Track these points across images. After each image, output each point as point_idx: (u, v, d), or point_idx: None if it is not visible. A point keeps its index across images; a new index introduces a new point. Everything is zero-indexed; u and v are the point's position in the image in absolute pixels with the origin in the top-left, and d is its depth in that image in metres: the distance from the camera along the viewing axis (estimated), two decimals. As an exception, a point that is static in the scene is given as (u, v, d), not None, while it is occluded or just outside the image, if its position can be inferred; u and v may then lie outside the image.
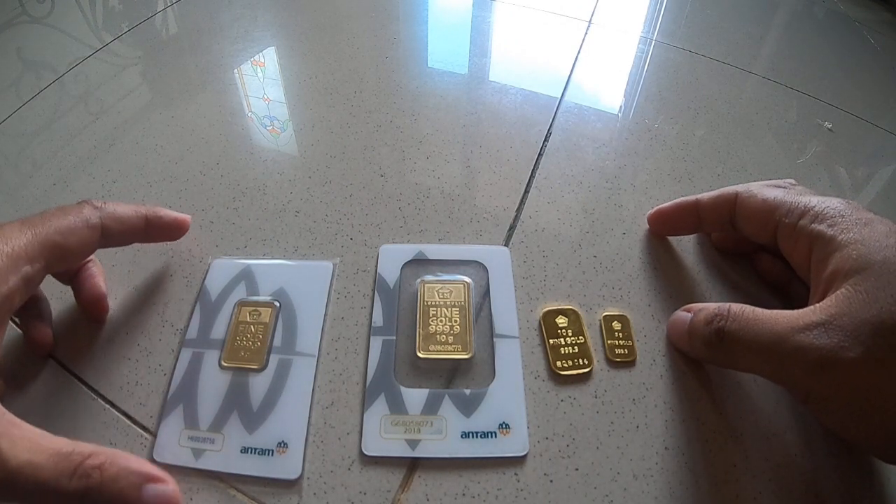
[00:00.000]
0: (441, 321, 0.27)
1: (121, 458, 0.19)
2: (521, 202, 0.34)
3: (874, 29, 0.59)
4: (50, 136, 0.38)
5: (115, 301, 0.28)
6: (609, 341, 0.27)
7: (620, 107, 0.43)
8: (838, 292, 0.20)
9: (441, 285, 0.29)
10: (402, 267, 0.30)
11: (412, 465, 0.23)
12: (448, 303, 0.28)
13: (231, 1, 0.53)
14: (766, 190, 0.26)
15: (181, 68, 0.45)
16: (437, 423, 0.24)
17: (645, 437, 0.24)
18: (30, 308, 0.25)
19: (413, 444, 0.23)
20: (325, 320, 0.28)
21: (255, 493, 0.22)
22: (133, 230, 0.26)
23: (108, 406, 0.25)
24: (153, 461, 0.23)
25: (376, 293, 0.29)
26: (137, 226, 0.26)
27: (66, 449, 0.18)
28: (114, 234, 0.24)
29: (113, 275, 0.29)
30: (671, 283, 0.30)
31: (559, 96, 0.43)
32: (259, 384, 0.25)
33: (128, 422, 0.24)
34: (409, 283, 0.29)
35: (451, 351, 0.26)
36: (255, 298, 0.28)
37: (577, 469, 0.23)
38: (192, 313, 0.28)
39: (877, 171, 0.40)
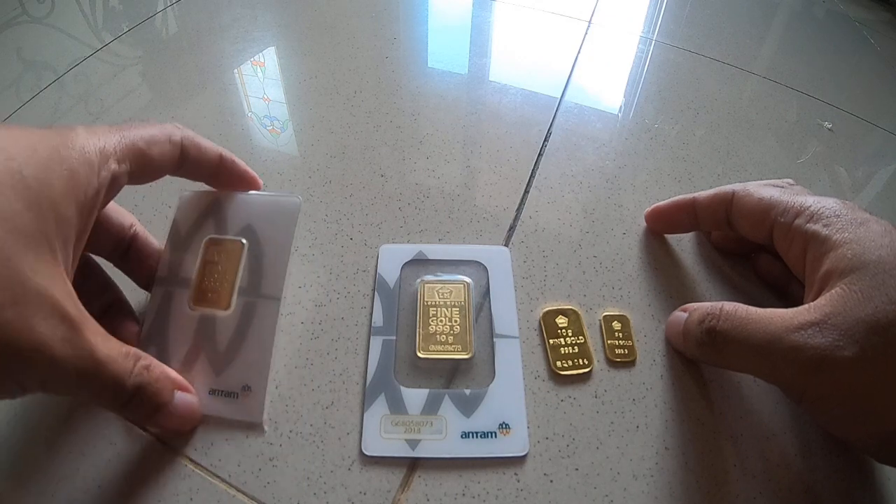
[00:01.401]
0: (441, 321, 0.27)
1: (159, 363, 0.22)
2: (521, 202, 0.34)
3: (874, 29, 0.59)
4: (50, 136, 0.38)
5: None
6: (609, 341, 0.27)
7: (620, 107, 0.43)
8: (833, 291, 0.20)
9: (441, 285, 0.29)
10: (402, 267, 0.30)
11: (412, 465, 0.23)
12: (448, 303, 0.28)
13: (231, 1, 0.53)
14: (763, 189, 0.26)
15: (181, 68, 0.45)
16: (437, 423, 0.24)
17: (645, 437, 0.24)
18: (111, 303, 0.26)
19: (413, 444, 0.23)
20: (289, 261, 0.27)
21: (255, 493, 0.22)
22: (208, 162, 0.25)
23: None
24: None
25: (376, 293, 0.29)
26: (212, 160, 0.25)
27: (126, 348, 0.20)
28: (190, 159, 0.24)
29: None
30: (671, 283, 0.30)
31: (559, 96, 0.43)
32: (225, 326, 0.25)
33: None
34: (409, 283, 0.29)
35: (451, 351, 0.26)
36: (223, 236, 0.27)
37: (577, 469, 0.23)
38: (163, 250, 0.27)
39: (877, 171, 0.40)
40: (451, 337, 0.27)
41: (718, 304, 0.23)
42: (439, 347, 0.26)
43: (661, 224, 0.32)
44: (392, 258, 0.30)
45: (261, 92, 0.42)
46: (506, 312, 0.28)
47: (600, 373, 0.26)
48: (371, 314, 0.28)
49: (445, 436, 0.24)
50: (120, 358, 0.19)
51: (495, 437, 0.24)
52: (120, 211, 0.25)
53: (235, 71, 0.44)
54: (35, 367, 0.17)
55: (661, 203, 0.31)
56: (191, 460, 0.23)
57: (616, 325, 0.28)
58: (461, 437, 0.24)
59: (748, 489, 0.23)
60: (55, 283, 0.17)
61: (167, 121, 0.39)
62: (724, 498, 0.22)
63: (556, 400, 0.25)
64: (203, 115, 0.40)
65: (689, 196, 0.30)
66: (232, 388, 0.24)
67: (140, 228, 0.26)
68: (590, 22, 0.52)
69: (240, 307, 0.26)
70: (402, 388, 0.25)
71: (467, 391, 0.25)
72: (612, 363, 0.26)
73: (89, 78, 0.44)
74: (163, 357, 0.24)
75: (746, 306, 0.22)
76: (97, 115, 0.40)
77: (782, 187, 0.27)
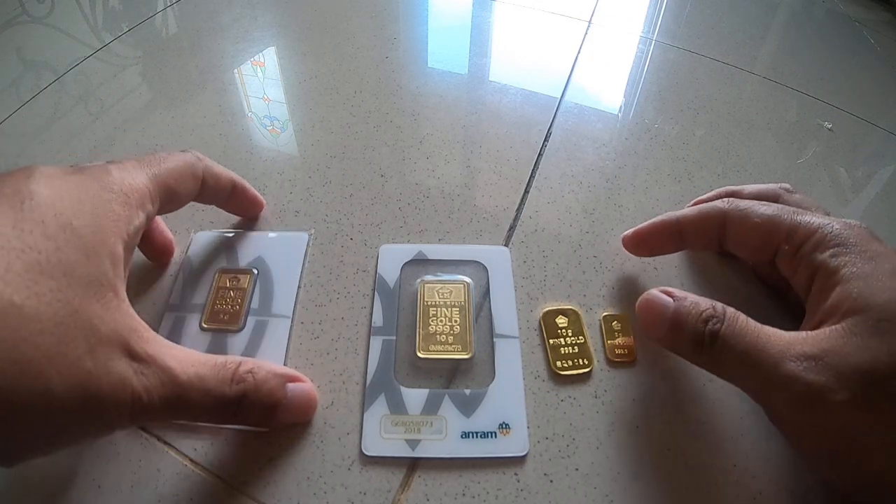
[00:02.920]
0: (441, 321, 0.27)
1: (265, 363, 0.22)
2: (521, 202, 0.34)
3: (874, 29, 0.59)
4: (50, 136, 0.38)
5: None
6: (609, 341, 0.27)
7: (620, 107, 0.43)
8: (834, 328, 0.20)
9: (441, 285, 0.29)
10: (402, 267, 0.30)
11: (412, 466, 0.23)
12: (448, 303, 0.28)
13: (231, 1, 0.53)
14: (760, 208, 0.24)
15: (181, 68, 0.45)
16: (437, 423, 0.24)
17: (645, 437, 0.24)
18: None
19: (413, 444, 0.23)
20: (299, 285, 0.29)
21: (255, 493, 0.22)
22: (223, 190, 0.28)
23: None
24: None
25: (376, 293, 0.29)
26: (226, 187, 0.28)
27: (221, 360, 0.20)
28: (208, 190, 0.26)
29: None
30: (671, 284, 0.30)
31: (559, 96, 0.43)
32: (237, 343, 0.26)
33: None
34: (409, 283, 0.29)
35: (451, 351, 0.26)
36: (234, 266, 0.29)
37: (577, 469, 0.23)
38: (174, 282, 0.29)
39: (877, 171, 0.40)
40: (451, 337, 0.27)
41: (720, 305, 0.22)
42: (439, 347, 0.26)
43: (644, 248, 0.29)
44: (392, 258, 0.30)
45: (261, 92, 0.42)
46: (506, 312, 0.28)
47: (600, 373, 0.26)
48: (371, 314, 0.28)
49: (445, 436, 0.24)
50: (210, 372, 0.20)
51: (495, 437, 0.24)
52: (221, 177, 0.28)
53: (235, 71, 0.44)
54: (121, 406, 0.17)
55: (641, 226, 0.28)
56: (191, 460, 0.23)
57: (616, 325, 0.28)
58: (461, 437, 0.24)
59: (749, 489, 0.23)
60: (123, 322, 0.18)
61: (167, 122, 0.39)
62: (724, 498, 0.22)
63: (556, 400, 0.25)
64: (203, 115, 0.40)
65: (673, 216, 0.27)
66: None
67: (239, 184, 0.29)
68: (590, 22, 0.52)
69: (251, 325, 0.27)
70: (402, 388, 0.25)
71: (467, 391, 0.25)
72: (612, 363, 0.26)
73: (89, 78, 0.44)
74: None
75: (745, 316, 0.21)
76: (97, 115, 0.40)
77: (780, 197, 0.25)
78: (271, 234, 0.31)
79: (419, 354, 0.26)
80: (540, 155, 0.37)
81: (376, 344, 0.27)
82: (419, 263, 0.30)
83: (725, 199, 0.26)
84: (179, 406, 0.19)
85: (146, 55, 0.47)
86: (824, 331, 0.20)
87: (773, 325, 0.21)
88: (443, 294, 0.28)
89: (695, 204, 0.31)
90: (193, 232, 0.31)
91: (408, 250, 0.30)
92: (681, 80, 0.46)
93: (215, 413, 0.20)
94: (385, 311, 0.28)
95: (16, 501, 0.22)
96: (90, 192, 0.19)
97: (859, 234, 0.22)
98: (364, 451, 0.23)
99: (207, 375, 0.20)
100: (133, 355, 0.18)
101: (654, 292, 0.24)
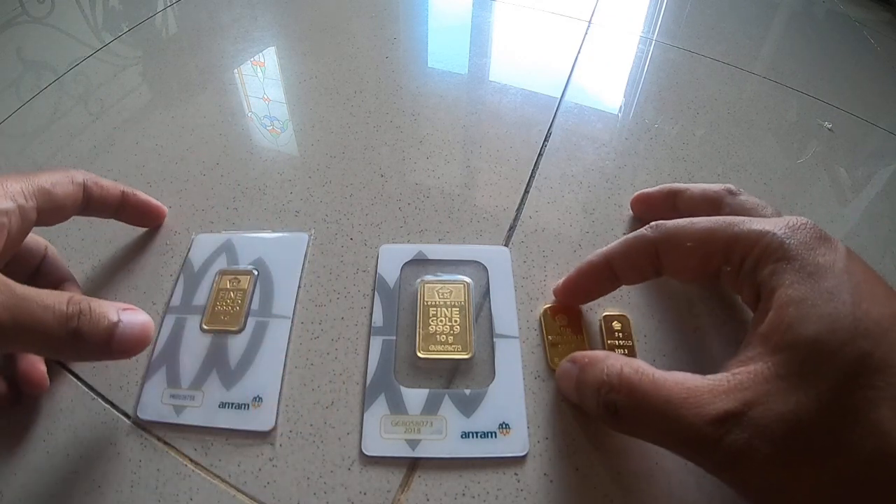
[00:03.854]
0: (441, 321, 0.27)
1: (95, 299, 0.21)
2: (521, 202, 0.34)
3: (874, 29, 0.59)
4: (50, 136, 0.38)
5: (107, 278, 0.30)
6: (609, 341, 0.27)
7: (620, 107, 0.43)
8: (761, 369, 0.18)
9: (441, 285, 0.29)
10: (402, 267, 0.30)
11: (412, 466, 0.23)
12: (448, 303, 0.28)
13: (231, 1, 0.53)
14: (691, 227, 0.23)
15: (181, 68, 0.45)
16: (437, 423, 0.24)
17: (645, 437, 0.24)
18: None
19: (413, 444, 0.23)
20: (299, 285, 0.29)
21: (255, 493, 0.22)
22: (111, 198, 0.27)
23: (82, 381, 0.25)
24: (137, 419, 0.24)
25: (376, 293, 0.29)
26: (114, 196, 0.27)
27: (60, 295, 0.20)
28: (94, 198, 0.26)
29: (111, 265, 0.29)
30: (671, 284, 0.30)
31: (559, 96, 0.43)
32: (237, 344, 0.26)
33: (107, 395, 0.24)
34: (409, 283, 0.29)
35: (451, 351, 0.26)
36: (234, 267, 0.30)
37: (577, 469, 0.23)
38: (175, 285, 0.29)
39: (877, 171, 0.40)
40: (451, 337, 0.27)
41: (615, 367, 0.20)
42: (439, 347, 0.26)
43: (579, 296, 0.27)
44: (392, 258, 0.30)
45: (261, 92, 0.42)
46: (506, 312, 0.28)
47: (600, 373, 0.26)
48: (371, 314, 0.28)
49: (445, 436, 0.24)
50: (45, 293, 0.20)
51: (495, 437, 0.24)
52: (107, 188, 0.27)
53: (235, 71, 0.44)
54: None
55: (570, 274, 0.27)
56: (191, 460, 0.23)
57: (616, 325, 0.28)
58: (461, 437, 0.24)
59: (748, 489, 0.23)
60: None
61: (167, 122, 0.39)
62: (724, 498, 0.22)
63: (556, 400, 0.25)
64: (203, 115, 0.40)
65: (600, 255, 0.25)
66: (243, 401, 0.25)
67: (52, 251, 0.28)
68: (590, 22, 0.52)
69: (252, 326, 0.27)
70: (402, 388, 0.25)
71: (467, 391, 0.25)
72: (612, 363, 0.26)
73: (89, 78, 0.44)
74: (172, 376, 0.25)
75: (651, 371, 0.19)
76: (97, 115, 0.40)
77: (723, 200, 0.25)
78: (271, 235, 0.31)
79: (419, 354, 0.26)
80: (540, 155, 0.37)
81: (376, 344, 0.27)
82: (419, 263, 0.30)
83: (651, 226, 0.24)
84: (20, 319, 0.19)
85: (146, 55, 0.47)
86: (749, 373, 0.18)
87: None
88: (443, 294, 0.28)
89: (639, 196, 0.32)
90: (194, 234, 0.31)
91: (408, 250, 0.30)
92: (681, 80, 0.46)
93: (55, 334, 0.20)
94: (385, 311, 0.28)
95: (16, 501, 0.22)
96: None
97: (803, 241, 0.20)
98: (364, 451, 0.23)
99: (43, 293, 0.20)
100: None
101: (563, 363, 0.24)
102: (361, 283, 0.29)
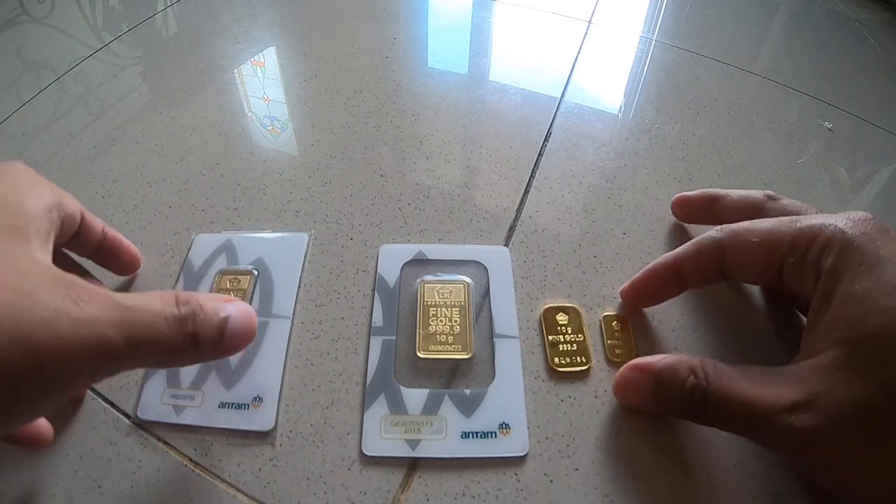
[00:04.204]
0: (441, 321, 0.27)
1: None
2: (521, 202, 0.34)
3: (874, 29, 0.59)
4: (50, 136, 0.38)
5: (108, 279, 0.29)
6: (609, 341, 0.27)
7: (620, 107, 0.43)
8: (824, 362, 0.19)
9: (441, 285, 0.29)
10: (402, 267, 0.30)
11: (412, 465, 0.23)
12: (448, 303, 0.28)
13: (231, 1, 0.53)
14: (756, 226, 0.23)
15: (181, 68, 0.45)
16: (437, 423, 0.24)
17: (645, 437, 0.24)
18: None
19: (413, 444, 0.23)
20: (299, 285, 0.29)
21: (255, 493, 0.22)
22: (95, 231, 0.25)
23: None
24: (137, 419, 0.24)
25: (376, 293, 0.29)
26: (98, 228, 0.25)
27: (157, 293, 0.19)
28: (86, 219, 0.24)
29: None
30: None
31: (559, 96, 0.43)
32: None
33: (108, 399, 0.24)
34: (409, 283, 0.29)
35: (451, 351, 0.26)
36: (234, 267, 0.30)
37: (577, 469, 0.23)
38: (175, 285, 0.29)
39: (877, 171, 0.40)
40: (451, 337, 0.27)
41: (698, 368, 0.21)
42: (439, 347, 0.26)
43: (647, 298, 0.28)
44: (392, 258, 0.30)
45: (261, 92, 0.42)
46: (505, 312, 0.28)
47: (600, 373, 0.26)
48: (371, 314, 0.28)
49: (445, 436, 0.24)
50: (152, 296, 0.18)
51: (495, 437, 0.24)
52: (93, 217, 0.26)
53: (235, 71, 0.44)
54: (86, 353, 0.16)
55: (638, 276, 0.27)
56: (191, 460, 0.23)
57: (616, 325, 0.28)
58: (461, 437, 0.24)
59: (748, 489, 0.23)
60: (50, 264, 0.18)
61: (167, 122, 0.39)
62: (724, 498, 0.22)
63: (556, 400, 0.25)
64: (203, 115, 0.40)
65: (669, 258, 0.26)
66: (243, 400, 0.25)
67: (109, 230, 0.27)
68: (590, 22, 0.52)
69: None
70: (402, 388, 0.25)
71: (467, 391, 0.25)
72: (612, 363, 0.26)
73: (89, 78, 0.44)
74: (172, 376, 0.25)
75: (726, 369, 0.21)
76: (97, 115, 0.40)
77: (765, 205, 0.25)
78: (271, 235, 0.31)
79: (419, 354, 0.26)
80: (540, 155, 0.37)
81: (376, 344, 0.27)
82: (419, 263, 0.30)
83: (719, 228, 0.25)
84: (135, 336, 0.17)
85: (146, 55, 0.47)
86: (813, 366, 0.19)
87: (775, 345, 0.21)
88: (443, 294, 0.28)
89: (679, 199, 0.32)
90: (194, 234, 0.31)
91: (408, 250, 0.30)
92: (681, 80, 0.46)
93: (173, 342, 0.18)
94: (385, 311, 0.28)
95: (16, 501, 0.22)
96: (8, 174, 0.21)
97: (864, 232, 0.20)
98: (364, 450, 0.23)
99: (146, 298, 0.18)
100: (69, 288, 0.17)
101: (626, 371, 0.24)
102: (361, 283, 0.29)
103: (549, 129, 0.39)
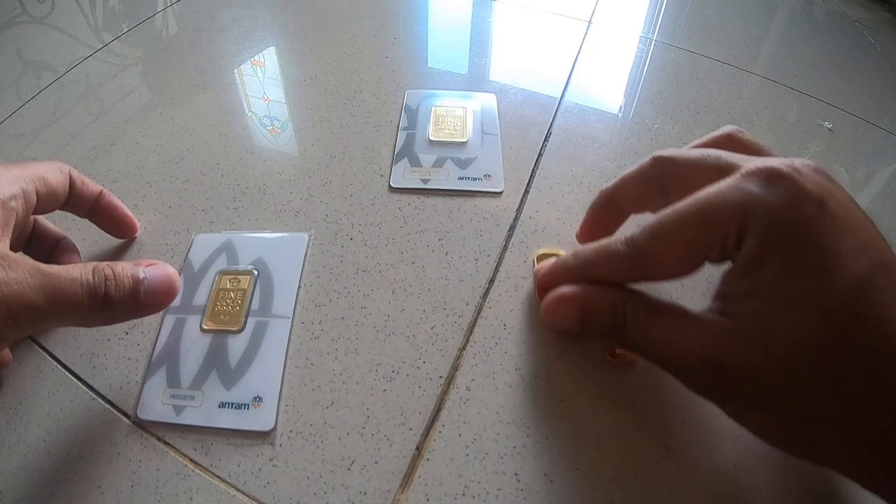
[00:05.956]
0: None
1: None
2: (521, 202, 0.34)
3: (874, 29, 0.59)
4: (50, 136, 0.38)
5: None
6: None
7: (620, 107, 0.43)
8: (734, 327, 0.20)
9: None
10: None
11: (412, 465, 0.23)
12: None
13: (231, 1, 0.53)
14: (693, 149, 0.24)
15: (181, 68, 0.45)
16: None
17: (645, 437, 0.24)
18: None
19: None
20: (299, 285, 0.29)
21: (255, 493, 0.22)
22: (90, 193, 0.28)
23: (82, 381, 0.25)
24: (137, 419, 0.24)
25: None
26: (94, 191, 0.28)
27: (77, 265, 0.21)
28: (76, 189, 0.27)
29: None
30: (671, 283, 0.30)
31: (559, 96, 0.43)
32: (237, 344, 0.26)
33: (108, 398, 0.24)
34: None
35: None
36: (234, 267, 0.30)
37: (577, 469, 0.23)
38: None
39: (877, 171, 0.40)
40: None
41: (618, 299, 0.22)
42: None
43: (596, 232, 0.29)
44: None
45: (261, 92, 0.42)
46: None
47: (600, 373, 0.26)
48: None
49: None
50: (69, 267, 0.21)
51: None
52: (88, 183, 0.28)
53: (235, 71, 0.44)
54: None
55: (581, 224, 0.29)
56: (191, 460, 0.23)
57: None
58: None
59: (749, 489, 0.23)
60: None
61: (167, 122, 0.39)
62: (724, 498, 0.22)
63: (556, 399, 0.25)
64: (203, 115, 0.40)
65: (604, 190, 0.27)
66: (243, 400, 0.25)
67: (107, 197, 0.29)
68: (590, 22, 0.52)
69: (252, 326, 0.27)
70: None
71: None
72: (612, 363, 0.26)
73: (89, 78, 0.44)
74: (172, 376, 0.26)
75: (646, 307, 0.22)
76: (97, 115, 0.40)
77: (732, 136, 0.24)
78: (271, 235, 0.31)
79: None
80: (540, 155, 0.37)
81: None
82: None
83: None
84: (53, 297, 0.20)
85: (146, 55, 0.47)
86: (725, 327, 0.20)
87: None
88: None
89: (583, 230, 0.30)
90: (194, 233, 0.31)
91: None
92: (681, 80, 0.46)
93: (86, 304, 0.21)
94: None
95: (16, 501, 0.22)
96: None
97: (781, 204, 0.19)
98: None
99: (67, 268, 0.21)
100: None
101: (554, 302, 0.24)
102: (361, 283, 0.29)
103: (549, 129, 0.39)
